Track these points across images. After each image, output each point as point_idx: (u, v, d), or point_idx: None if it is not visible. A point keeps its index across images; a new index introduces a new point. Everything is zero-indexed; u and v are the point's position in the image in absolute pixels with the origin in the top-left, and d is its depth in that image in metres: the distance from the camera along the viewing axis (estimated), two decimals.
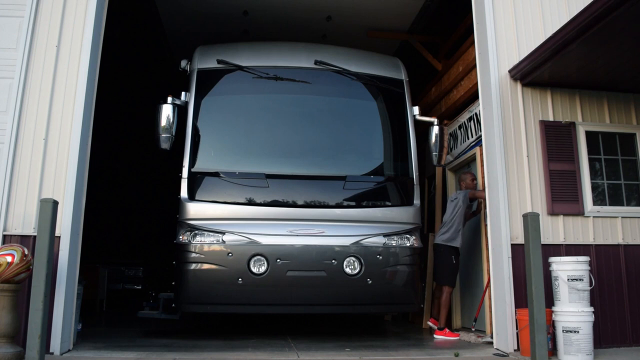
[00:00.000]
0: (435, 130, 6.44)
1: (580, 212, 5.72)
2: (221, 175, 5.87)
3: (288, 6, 8.03)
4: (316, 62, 6.42)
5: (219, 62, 6.28)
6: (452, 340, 6.35)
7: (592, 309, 5.02)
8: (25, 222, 5.03)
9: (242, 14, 8.25)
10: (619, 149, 6.08)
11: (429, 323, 6.93)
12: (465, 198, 6.71)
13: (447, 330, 6.57)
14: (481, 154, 6.28)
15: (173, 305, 5.81)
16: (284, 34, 8.62)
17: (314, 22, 8.47)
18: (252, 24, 8.59)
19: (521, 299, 5.29)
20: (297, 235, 5.66)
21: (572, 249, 5.57)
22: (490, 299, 5.82)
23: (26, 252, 4.67)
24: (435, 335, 6.55)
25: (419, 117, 6.56)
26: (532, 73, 5.70)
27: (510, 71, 5.87)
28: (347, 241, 5.74)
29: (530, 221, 4.99)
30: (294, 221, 5.73)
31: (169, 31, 8.99)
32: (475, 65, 6.30)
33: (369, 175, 6.30)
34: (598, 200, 5.86)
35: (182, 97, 6.13)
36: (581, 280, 5.02)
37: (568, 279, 5.02)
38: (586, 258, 5.14)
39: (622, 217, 5.83)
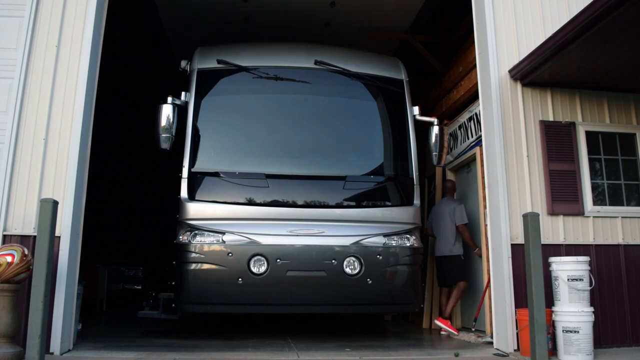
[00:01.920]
0: (435, 130, 6.43)
1: (580, 212, 5.72)
2: (221, 175, 5.86)
3: None
4: (316, 62, 6.41)
5: (219, 62, 6.27)
6: (451, 333, 6.58)
7: (592, 309, 5.02)
8: (25, 222, 5.03)
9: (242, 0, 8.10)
10: (619, 149, 6.08)
11: (437, 322, 6.94)
12: (455, 215, 6.89)
13: (449, 323, 6.78)
14: (481, 154, 6.28)
15: (173, 305, 5.81)
16: (285, 21, 8.48)
17: (317, 9, 8.30)
18: (253, 11, 8.43)
19: (521, 299, 5.29)
20: (297, 235, 5.66)
21: (572, 249, 5.57)
22: (490, 299, 5.82)
23: (26, 252, 4.67)
24: (437, 322, 6.70)
25: (419, 117, 6.56)
26: (532, 73, 5.69)
27: (510, 71, 5.87)
28: (347, 241, 5.74)
29: (530, 221, 4.99)
30: (294, 221, 5.73)
31: (168, 25, 8.87)
32: (475, 66, 6.30)
33: (369, 175, 6.30)
34: (598, 200, 5.86)
35: (182, 97, 6.12)
36: (581, 280, 5.02)
37: (568, 279, 5.02)
38: (586, 258, 5.14)
39: (622, 217, 5.83)
